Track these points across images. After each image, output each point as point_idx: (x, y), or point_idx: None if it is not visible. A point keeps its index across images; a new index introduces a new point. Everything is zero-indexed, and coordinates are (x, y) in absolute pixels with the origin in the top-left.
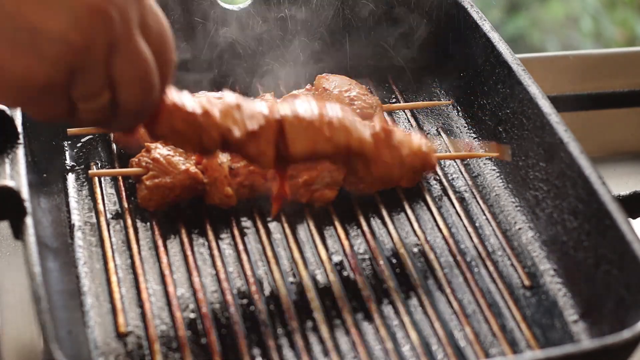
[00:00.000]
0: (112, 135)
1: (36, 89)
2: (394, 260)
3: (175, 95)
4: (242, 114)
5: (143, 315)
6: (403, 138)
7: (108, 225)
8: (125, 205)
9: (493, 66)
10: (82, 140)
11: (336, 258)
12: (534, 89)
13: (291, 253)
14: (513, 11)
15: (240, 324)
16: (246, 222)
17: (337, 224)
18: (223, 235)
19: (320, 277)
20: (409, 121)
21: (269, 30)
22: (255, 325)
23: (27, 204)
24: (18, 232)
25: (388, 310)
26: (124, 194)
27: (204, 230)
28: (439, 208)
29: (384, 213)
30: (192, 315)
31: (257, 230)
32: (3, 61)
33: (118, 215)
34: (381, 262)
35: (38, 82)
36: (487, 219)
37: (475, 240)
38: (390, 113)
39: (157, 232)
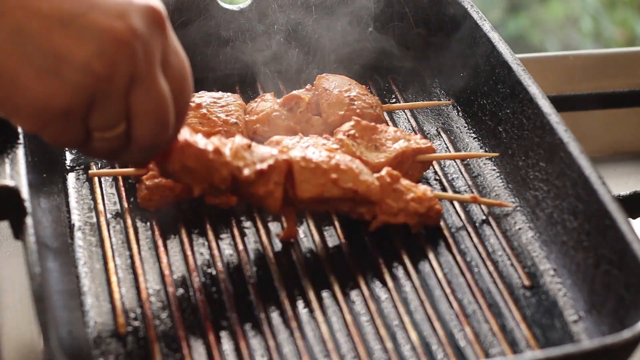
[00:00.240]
0: None
1: (55, 114)
2: (394, 261)
3: (187, 133)
4: (252, 155)
5: (143, 315)
6: (408, 183)
7: (108, 225)
8: (125, 205)
9: (493, 66)
10: None
11: (336, 258)
12: (534, 89)
13: (291, 253)
14: (513, 11)
15: (241, 324)
16: (246, 222)
17: (336, 224)
18: (223, 235)
19: (319, 278)
20: (409, 121)
21: (269, 30)
22: (256, 325)
23: (27, 204)
24: (18, 232)
25: (388, 310)
26: (124, 194)
27: (204, 230)
28: None
29: None
30: (192, 316)
31: (257, 230)
32: (27, 83)
33: (118, 215)
34: (381, 262)
35: (58, 106)
36: (486, 219)
37: (475, 240)
38: (390, 113)
39: (157, 232)
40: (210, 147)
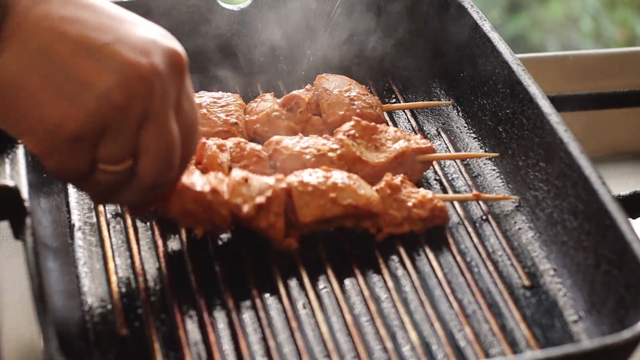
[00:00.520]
0: None
1: (66, 137)
2: (394, 261)
3: (184, 176)
4: (249, 189)
5: (143, 315)
6: (408, 191)
7: (108, 225)
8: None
9: (493, 66)
10: None
11: (336, 258)
12: (534, 89)
13: (291, 253)
14: (513, 11)
15: (241, 324)
16: None
17: None
18: (223, 236)
19: (319, 278)
20: (409, 121)
21: (269, 30)
22: (256, 325)
23: (27, 204)
24: (18, 232)
25: (388, 310)
26: None
27: None
28: None
29: None
30: (192, 316)
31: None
32: (44, 103)
33: (118, 215)
34: (381, 262)
35: (71, 130)
36: (487, 219)
37: (475, 240)
38: (390, 113)
39: (157, 232)
40: (207, 188)
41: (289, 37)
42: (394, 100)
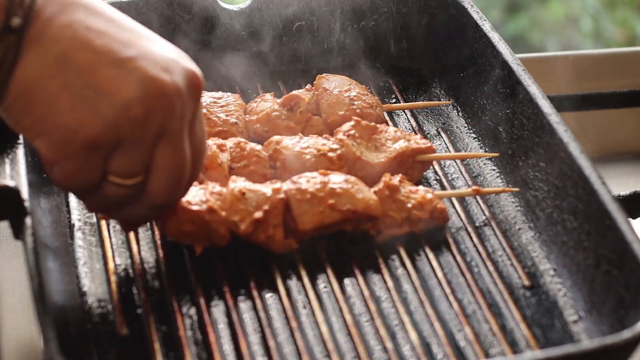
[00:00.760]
0: None
1: (82, 144)
2: (394, 261)
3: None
4: (246, 203)
5: (143, 316)
6: (407, 191)
7: (108, 225)
8: None
9: (493, 66)
10: None
11: (336, 258)
12: (534, 89)
13: (292, 253)
14: (513, 11)
15: (241, 324)
16: None
17: None
18: None
19: (319, 278)
20: (409, 121)
21: (269, 30)
22: (256, 325)
23: (27, 204)
24: (18, 232)
25: (388, 310)
26: None
27: None
28: None
29: None
30: (192, 316)
31: None
32: (62, 109)
33: None
34: (381, 262)
35: (87, 137)
36: (487, 219)
37: (475, 240)
38: (390, 113)
39: (157, 232)
40: (204, 208)
41: (288, 37)
42: (394, 100)
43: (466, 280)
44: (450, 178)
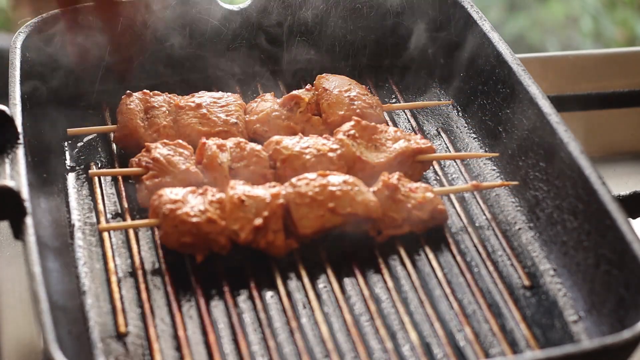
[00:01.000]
0: (112, 135)
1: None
2: (394, 261)
3: (180, 209)
4: (246, 210)
5: (143, 315)
6: (407, 190)
7: (108, 224)
8: (125, 205)
9: (493, 66)
10: (82, 140)
11: (336, 258)
12: (534, 89)
13: (292, 253)
14: (513, 11)
15: (241, 324)
16: None
17: None
18: None
19: (319, 278)
20: (409, 121)
21: (269, 30)
22: (256, 325)
23: (27, 204)
24: (18, 232)
25: (388, 310)
26: (124, 194)
27: None
28: None
29: None
30: (192, 316)
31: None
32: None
33: (118, 215)
34: (381, 262)
35: None
36: (487, 219)
37: (475, 240)
38: (390, 113)
39: (157, 232)
40: (203, 218)
41: (288, 37)
42: (394, 100)
43: (466, 280)
44: (450, 178)
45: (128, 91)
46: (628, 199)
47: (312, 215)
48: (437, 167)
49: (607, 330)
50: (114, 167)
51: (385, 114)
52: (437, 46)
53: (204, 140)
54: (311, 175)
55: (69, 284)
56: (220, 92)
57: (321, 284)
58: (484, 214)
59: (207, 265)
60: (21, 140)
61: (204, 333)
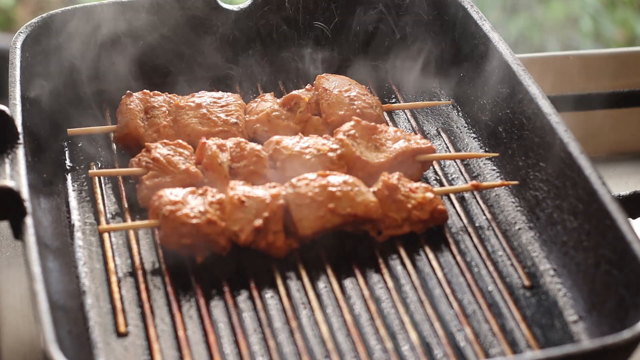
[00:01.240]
0: (112, 135)
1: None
2: (394, 261)
3: (179, 210)
4: (245, 211)
5: (143, 315)
6: (407, 190)
7: (108, 224)
8: (125, 205)
9: (493, 66)
10: (82, 140)
11: (336, 258)
12: (534, 89)
13: (292, 253)
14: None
15: (241, 324)
16: None
17: None
18: None
19: (319, 278)
20: (409, 121)
21: (269, 30)
22: (256, 325)
23: (27, 204)
24: (18, 232)
25: (388, 310)
26: (124, 194)
27: None
28: None
29: None
30: (192, 316)
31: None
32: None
33: (118, 215)
34: (381, 262)
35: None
36: (487, 219)
37: (475, 240)
38: (390, 113)
39: (157, 232)
40: (203, 220)
41: (288, 37)
42: (394, 100)
43: (466, 280)
44: (450, 178)
45: (128, 91)
46: (628, 199)
47: (312, 216)
48: (437, 167)
49: (607, 330)
50: (114, 167)
51: (385, 114)
52: (437, 46)
53: (204, 140)
54: (311, 175)
55: (69, 284)
56: (220, 92)
57: (321, 284)
58: (484, 214)
59: (207, 265)
60: (21, 140)
61: (204, 333)
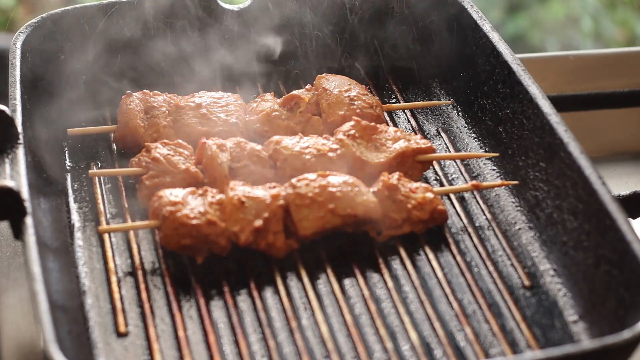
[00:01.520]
0: (112, 135)
1: None
2: (394, 261)
3: (179, 211)
4: (246, 212)
5: (143, 315)
6: (407, 190)
7: (108, 225)
8: (125, 205)
9: (493, 66)
10: (82, 140)
11: (336, 258)
12: (534, 89)
13: (292, 253)
14: (513, 11)
15: (241, 324)
16: None
17: None
18: None
19: (319, 278)
20: (409, 121)
21: (269, 30)
22: (256, 325)
23: (27, 204)
24: (18, 232)
25: (388, 310)
26: (124, 194)
27: None
28: None
29: None
30: (192, 316)
31: None
32: None
33: (118, 216)
34: (381, 263)
35: None
36: (487, 219)
37: (475, 240)
38: (390, 113)
39: (156, 232)
40: (203, 220)
41: (287, 37)
42: (394, 100)
43: (466, 280)
44: (450, 178)
45: (128, 91)
46: (628, 199)
47: (312, 216)
48: (437, 167)
49: (607, 330)
50: (114, 167)
51: (385, 114)
52: (437, 46)
53: (204, 140)
54: (311, 175)
55: (69, 284)
56: (220, 92)
57: (321, 284)
58: (484, 214)
59: (207, 265)
60: (21, 140)
61: (204, 333)
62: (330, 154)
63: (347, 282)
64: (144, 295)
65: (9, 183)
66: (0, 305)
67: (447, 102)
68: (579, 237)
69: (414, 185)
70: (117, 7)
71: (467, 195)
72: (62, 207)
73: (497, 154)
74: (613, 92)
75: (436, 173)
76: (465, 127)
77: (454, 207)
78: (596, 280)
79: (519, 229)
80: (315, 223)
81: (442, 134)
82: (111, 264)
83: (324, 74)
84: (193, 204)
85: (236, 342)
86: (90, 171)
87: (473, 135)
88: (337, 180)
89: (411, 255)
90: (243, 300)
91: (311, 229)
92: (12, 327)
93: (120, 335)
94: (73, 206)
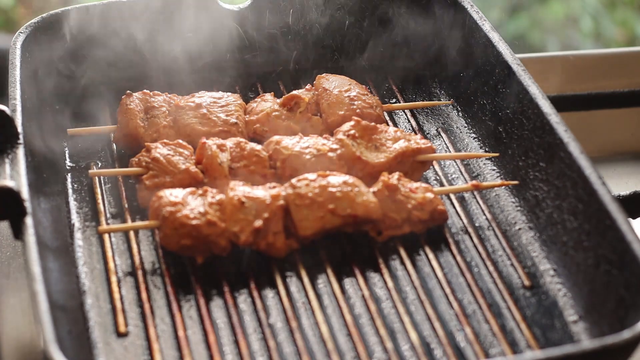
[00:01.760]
0: (112, 135)
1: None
2: (394, 261)
3: (179, 211)
4: (246, 212)
5: (143, 315)
6: (407, 190)
7: (108, 224)
8: (125, 205)
9: (493, 66)
10: (82, 140)
11: (336, 258)
12: (534, 89)
13: (292, 253)
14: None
15: (241, 324)
16: None
17: None
18: None
19: (319, 278)
20: (409, 121)
21: (269, 30)
22: (256, 324)
23: (27, 204)
24: (18, 232)
25: (388, 310)
26: (124, 194)
27: None
28: None
29: None
30: (192, 316)
31: None
32: None
33: (118, 216)
34: (381, 263)
35: None
36: (487, 219)
37: (475, 240)
38: (390, 113)
39: (156, 232)
40: (203, 221)
41: (289, 36)
42: (394, 100)
43: (466, 280)
44: (450, 178)
45: (128, 91)
46: (628, 199)
47: (312, 216)
48: (437, 167)
49: (607, 330)
50: (114, 167)
51: (385, 114)
52: (437, 46)
53: (204, 140)
54: (311, 176)
55: (69, 284)
56: (220, 92)
57: (321, 284)
58: (484, 214)
59: (207, 265)
60: (21, 140)
61: (204, 333)
62: (330, 154)
63: (347, 282)
64: (144, 295)
65: (9, 183)
66: (0, 305)
67: (447, 102)
68: (579, 237)
69: (414, 185)
70: (117, 7)
71: (467, 195)
72: (62, 207)
73: (497, 154)
74: (613, 92)
75: (436, 173)
76: (465, 127)
77: (454, 207)
78: (596, 280)
79: (519, 229)
80: (315, 223)
81: (442, 134)
82: (111, 264)
83: (324, 74)
84: (193, 204)
85: (236, 342)
86: (90, 171)
87: (473, 135)
88: (337, 180)
89: (411, 256)
90: (243, 300)
91: (311, 229)
92: (12, 327)
93: (120, 335)
94: (73, 206)
